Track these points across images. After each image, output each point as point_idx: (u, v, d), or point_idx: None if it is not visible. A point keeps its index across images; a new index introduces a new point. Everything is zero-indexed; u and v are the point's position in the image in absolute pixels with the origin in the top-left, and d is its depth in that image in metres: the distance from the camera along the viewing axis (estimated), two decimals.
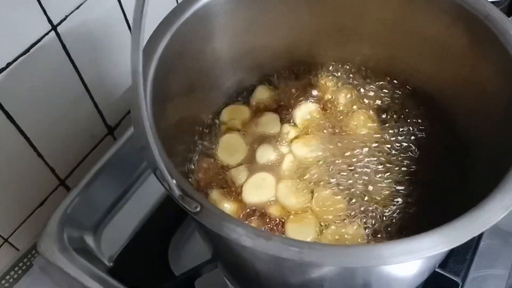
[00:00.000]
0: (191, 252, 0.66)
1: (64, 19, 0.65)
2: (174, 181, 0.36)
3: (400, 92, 0.63)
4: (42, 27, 0.62)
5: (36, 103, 0.65)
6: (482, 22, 0.47)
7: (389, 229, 0.53)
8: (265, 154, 0.60)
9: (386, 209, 0.55)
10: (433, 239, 0.34)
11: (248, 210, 0.54)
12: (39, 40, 0.62)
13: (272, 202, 0.56)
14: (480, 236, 0.62)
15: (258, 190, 0.56)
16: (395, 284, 0.48)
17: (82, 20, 0.67)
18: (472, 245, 0.61)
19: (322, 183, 0.57)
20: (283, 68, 0.68)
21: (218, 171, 0.59)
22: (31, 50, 0.61)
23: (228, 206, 0.56)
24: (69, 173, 0.76)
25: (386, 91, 0.64)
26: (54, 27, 0.64)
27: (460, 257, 0.60)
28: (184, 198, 0.37)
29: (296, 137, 0.63)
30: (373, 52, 0.63)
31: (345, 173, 0.58)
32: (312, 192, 0.57)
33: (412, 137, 0.60)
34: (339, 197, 0.56)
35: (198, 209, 0.37)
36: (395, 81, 0.64)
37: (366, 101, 0.64)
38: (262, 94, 0.68)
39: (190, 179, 0.57)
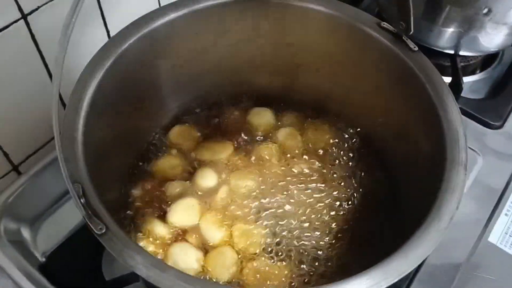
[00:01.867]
0: None
1: (36, 9, 0.65)
2: (82, 200, 0.37)
3: (343, 133, 0.65)
4: (12, 14, 0.62)
5: None
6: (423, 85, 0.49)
7: (314, 269, 0.54)
8: (204, 178, 0.61)
9: (313, 248, 0.55)
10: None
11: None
12: (6, 27, 0.62)
13: (193, 230, 0.57)
14: (408, 285, 0.63)
15: (183, 213, 0.57)
16: None
17: (56, 13, 0.67)
18: None
19: (244, 216, 0.58)
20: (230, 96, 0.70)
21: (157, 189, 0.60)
22: None
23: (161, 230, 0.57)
24: (23, 159, 0.76)
25: (332, 131, 0.66)
26: (24, 16, 0.64)
27: None
28: (92, 217, 0.37)
29: (237, 169, 0.64)
30: (325, 92, 0.65)
31: (275, 210, 0.59)
32: (232, 226, 0.58)
33: (349, 178, 0.63)
34: (261, 233, 0.57)
35: (103, 231, 0.37)
36: (343, 122, 0.66)
37: (309, 143, 0.66)
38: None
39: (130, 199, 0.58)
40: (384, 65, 0.56)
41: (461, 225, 0.69)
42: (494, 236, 0.69)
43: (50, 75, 0.72)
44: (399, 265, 0.38)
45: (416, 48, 0.53)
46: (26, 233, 0.66)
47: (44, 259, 0.65)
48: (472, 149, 0.78)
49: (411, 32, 0.52)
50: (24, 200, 0.66)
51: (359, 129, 0.65)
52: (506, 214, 0.71)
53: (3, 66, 0.64)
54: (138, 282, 0.61)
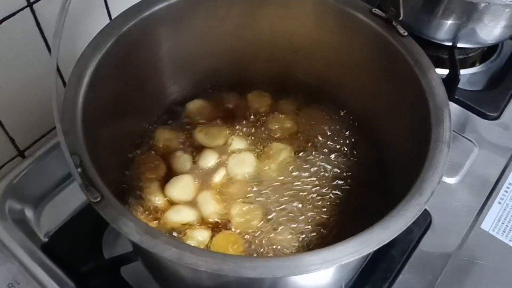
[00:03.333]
0: (125, 240, 0.68)
1: None
2: (79, 170, 0.39)
3: (337, 115, 0.68)
4: (18, 2, 0.64)
5: (3, 73, 0.67)
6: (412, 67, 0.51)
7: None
8: (205, 159, 0.63)
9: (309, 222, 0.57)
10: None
11: None
12: (12, 14, 0.64)
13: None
14: (400, 269, 0.64)
15: (180, 189, 0.59)
16: None
17: (60, 2, 0.69)
18: (391, 276, 0.63)
19: (241, 196, 0.60)
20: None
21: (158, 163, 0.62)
22: (3, 23, 0.63)
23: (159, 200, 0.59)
24: (29, 145, 0.78)
25: (326, 114, 0.68)
26: (30, 4, 0.65)
27: (377, 286, 0.62)
28: (88, 186, 0.39)
29: (235, 151, 0.66)
30: (320, 77, 0.66)
31: (271, 189, 0.61)
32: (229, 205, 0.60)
33: (341, 156, 0.65)
34: (259, 212, 0.58)
35: (98, 199, 0.39)
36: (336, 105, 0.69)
37: (305, 125, 0.68)
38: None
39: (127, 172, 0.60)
40: (375, 50, 0.57)
41: (454, 213, 0.71)
42: (487, 224, 0.70)
43: (56, 64, 0.74)
44: (380, 234, 0.40)
45: (406, 33, 0.55)
46: (29, 214, 0.68)
47: (47, 239, 0.66)
48: (469, 139, 0.79)
49: (400, 18, 0.54)
50: (28, 182, 0.68)
51: (352, 111, 0.67)
52: (499, 202, 0.72)
53: (9, 53, 0.66)
54: (137, 261, 0.63)
